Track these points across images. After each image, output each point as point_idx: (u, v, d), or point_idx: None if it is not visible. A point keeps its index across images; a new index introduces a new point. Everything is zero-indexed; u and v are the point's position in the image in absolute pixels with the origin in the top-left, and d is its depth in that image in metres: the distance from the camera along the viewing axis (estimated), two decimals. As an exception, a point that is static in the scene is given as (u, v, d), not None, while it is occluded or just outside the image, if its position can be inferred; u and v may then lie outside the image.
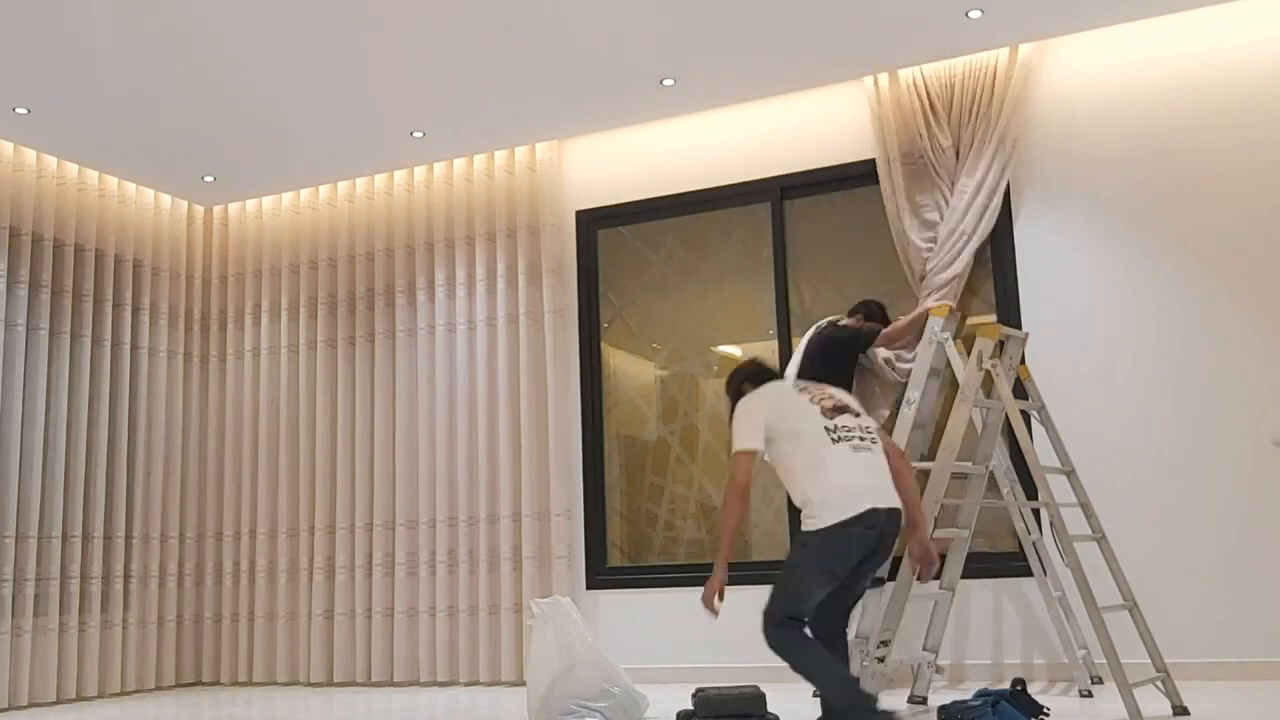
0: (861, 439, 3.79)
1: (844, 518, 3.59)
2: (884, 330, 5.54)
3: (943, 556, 4.79)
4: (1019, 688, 4.29)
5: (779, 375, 4.09)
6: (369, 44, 5.48)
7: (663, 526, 6.50)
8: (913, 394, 5.18)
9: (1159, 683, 4.39)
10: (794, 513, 6.10)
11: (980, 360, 4.72)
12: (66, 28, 5.18)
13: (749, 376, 4.03)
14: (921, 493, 4.24)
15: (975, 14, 5.41)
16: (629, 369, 6.73)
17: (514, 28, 5.38)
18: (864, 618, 4.97)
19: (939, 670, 4.87)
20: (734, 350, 6.45)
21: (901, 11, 5.36)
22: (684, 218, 6.67)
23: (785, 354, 6.21)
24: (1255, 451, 5.21)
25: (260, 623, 7.17)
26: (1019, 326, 5.69)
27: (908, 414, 5.17)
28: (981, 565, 5.59)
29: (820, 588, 3.65)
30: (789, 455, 3.76)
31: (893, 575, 5.30)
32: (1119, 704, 4.46)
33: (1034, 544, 5.14)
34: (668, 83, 6.05)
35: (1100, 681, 5.09)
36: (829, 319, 5.71)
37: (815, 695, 4.47)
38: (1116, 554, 5.21)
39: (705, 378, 6.51)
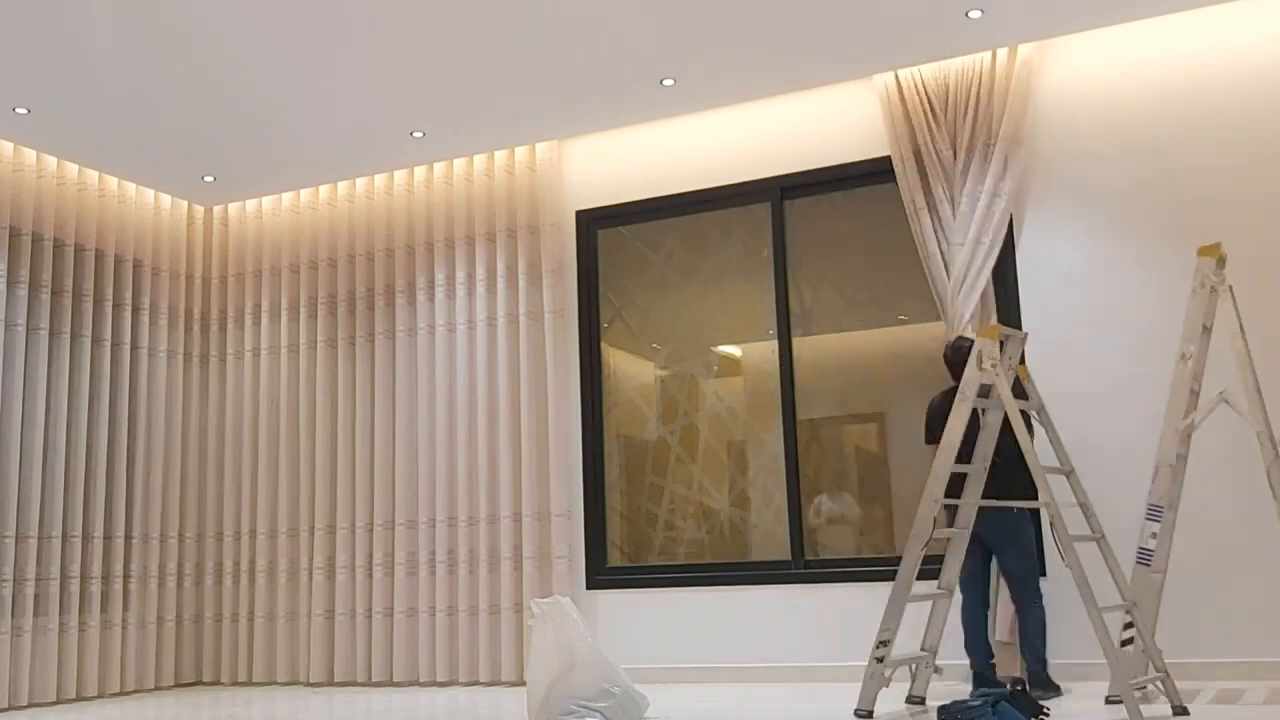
0: None
1: None
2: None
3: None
4: (1019, 688, 4.30)
5: None
6: (369, 44, 5.49)
7: (663, 526, 6.50)
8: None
9: (1159, 683, 4.39)
10: (795, 512, 6.10)
11: (980, 360, 4.72)
12: (66, 28, 5.19)
13: None
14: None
15: (975, 14, 5.41)
16: (629, 369, 6.73)
17: (514, 28, 5.38)
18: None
19: (937, 670, 4.87)
20: (734, 350, 6.45)
21: (901, 11, 5.36)
22: (684, 218, 6.67)
23: (786, 353, 6.21)
24: (1255, 451, 5.21)
25: (260, 623, 7.17)
26: (1019, 326, 5.69)
27: None
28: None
29: None
30: None
31: (892, 575, 5.30)
32: (1119, 704, 4.46)
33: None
34: (668, 83, 6.05)
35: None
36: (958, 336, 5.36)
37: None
38: (1116, 554, 5.20)
39: (705, 378, 6.51)
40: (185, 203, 7.63)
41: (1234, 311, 4.57)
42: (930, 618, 4.88)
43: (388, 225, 7.25)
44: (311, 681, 6.92)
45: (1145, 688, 4.57)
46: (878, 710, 4.54)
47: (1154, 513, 4.64)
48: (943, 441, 4.66)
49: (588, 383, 6.69)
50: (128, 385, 7.00)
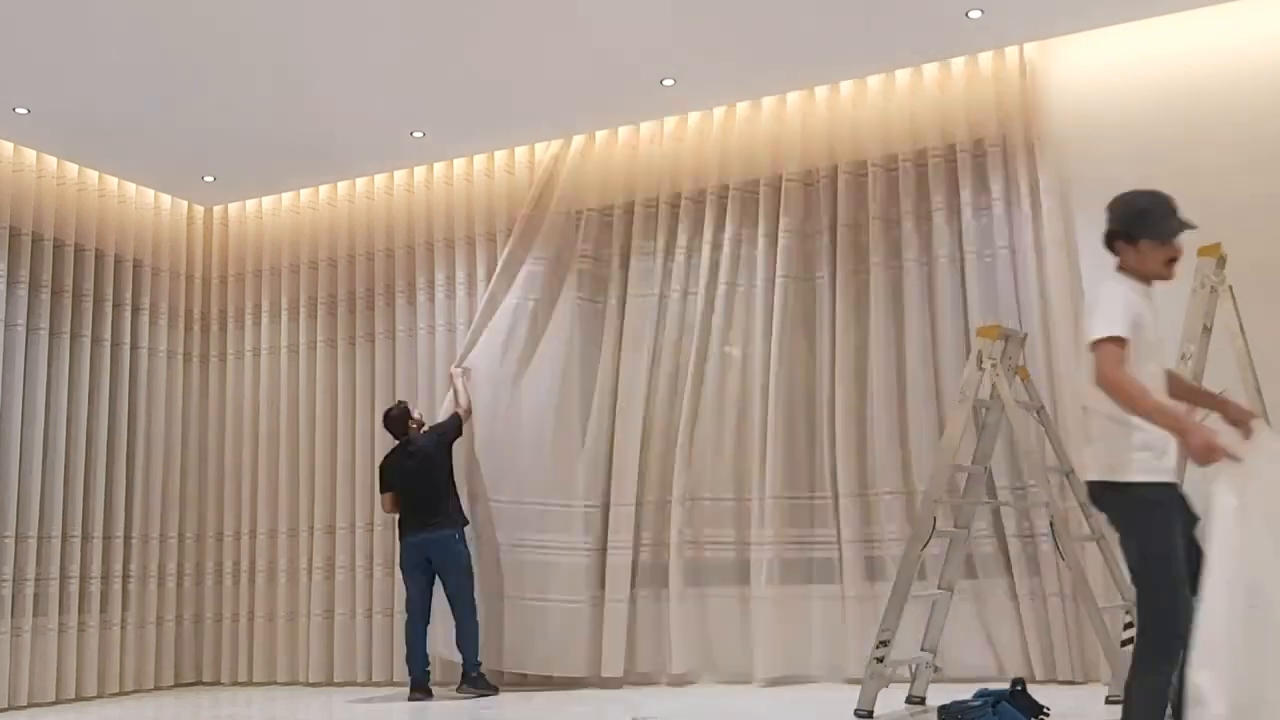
0: None
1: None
2: None
3: None
4: (1019, 687, 4.29)
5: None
6: (369, 44, 5.48)
7: (662, 526, 6.48)
8: None
9: (1159, 683, 4.37)
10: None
11: (980, 360, 4.72)
12: (66, 28, 5.18)
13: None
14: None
15: (975, 14, 5.41)
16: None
17: (514, 28, 5.37)
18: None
19: (936, 670, 4.87)
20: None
21: (901, 11, 5.36)
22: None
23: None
24: (1255, 451, 5.20)
25: (260, 623, 7.17)
26: (1020, 326, 5.68)
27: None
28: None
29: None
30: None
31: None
32: (1119, 704, 4.45)
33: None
34: (668, 83, 6.04)
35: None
36: None
37: None
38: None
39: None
40: (185, 203, 7.62)
41: (1234, 311, 4.56)
42: (930, 618, 4.87)
43: (388, 225, 7.24)
44: (311, 682, 6.91)
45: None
46: (877, 710, 4.54)
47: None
48: (943, 441, 4.65)
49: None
50: (128, 385, 7.00)
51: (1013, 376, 4.85)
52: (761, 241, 6.22)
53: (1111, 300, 2.95)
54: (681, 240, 6.40)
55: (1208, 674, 2.63)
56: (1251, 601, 2.68)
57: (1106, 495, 2.99)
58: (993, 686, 4.49)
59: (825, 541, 5.88)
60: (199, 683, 7.32)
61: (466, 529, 6.19)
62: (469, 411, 6.34)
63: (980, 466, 4.88)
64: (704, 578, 6.09)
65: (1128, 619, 4.60)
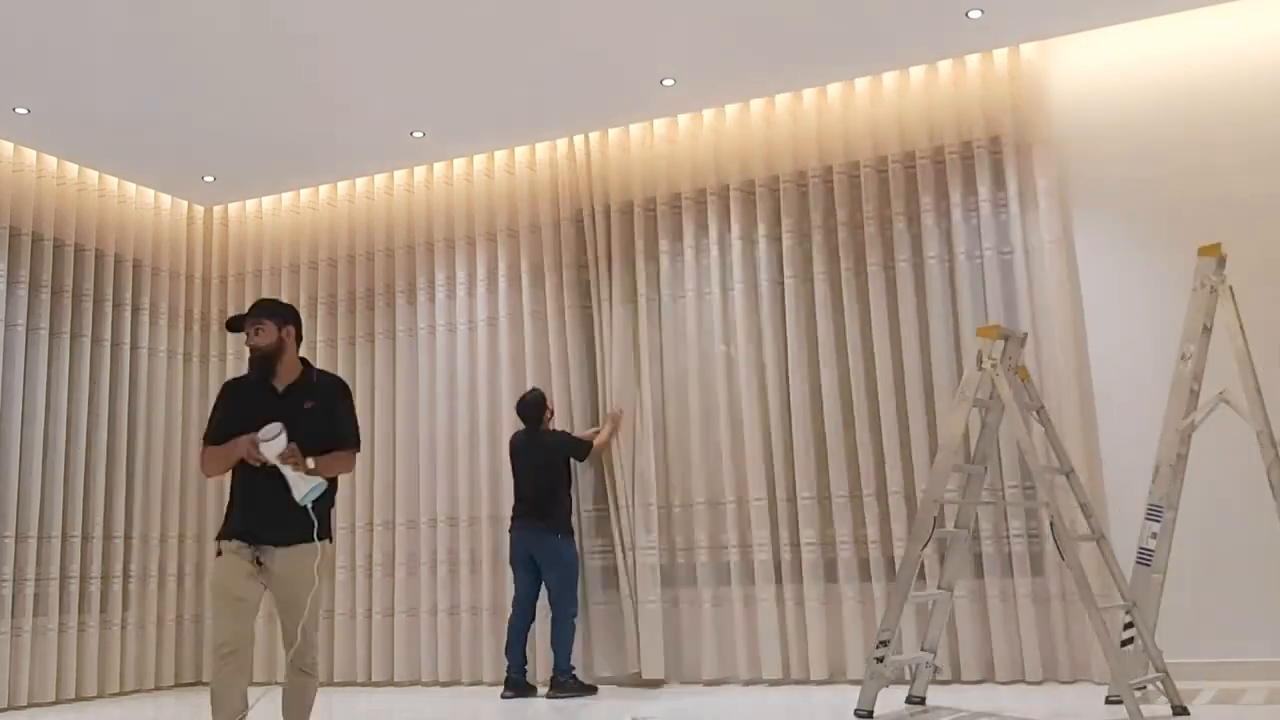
0: None
1: None
2: None
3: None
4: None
5: None
6: (369, 44, 5.48)
7: (663, 526, 6.49)
8: None
9: (1159, 683, 4.38)
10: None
11: (980, 360, 4.72)
12: (66, 28, 5.18)
13: None
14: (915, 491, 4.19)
15: (975, 14, 5.41)
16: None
17: (514, 28, 5.37)
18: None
19: (936, 670, 4.87)
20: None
21: (901, 11, 5.36)
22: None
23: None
24: (1255, 451, 5.20)
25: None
26: (1019, 326, 5.68)
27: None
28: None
29: None
30: None
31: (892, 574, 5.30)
32: (1119, 704, 4.45)
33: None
34: (668, 83, 6.05)
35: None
36: None
37: None
38: (1116, 554, 5.20)
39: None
40: (185, 203, 7.63)
41: (1234, 311, 4.57)
42: (930, 618, 4.88)
43: (388, 225, 7.24)
44: (311, 681, 6.90)
45: (1145, 688, 4.56)
46: (877, 710, 4.54)
47: (1154, 513, 4.64)
48: (942, 441, 4.65)
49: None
50: (128, 385, 7.00)
51: (1013, 376, 4.86)
52: (762, 242, 6.23)
53: None
54: (688, 239, 6.42)
55: None
56: None
57: None
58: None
59: (826, 542, 5.89)
60: (199, 683, 7.31)
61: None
62: (599, 450, 6.26)
63: (980, 466, 4.89)
64: (695, 577, 6.12)
65: (1128, 619, 4.61)
